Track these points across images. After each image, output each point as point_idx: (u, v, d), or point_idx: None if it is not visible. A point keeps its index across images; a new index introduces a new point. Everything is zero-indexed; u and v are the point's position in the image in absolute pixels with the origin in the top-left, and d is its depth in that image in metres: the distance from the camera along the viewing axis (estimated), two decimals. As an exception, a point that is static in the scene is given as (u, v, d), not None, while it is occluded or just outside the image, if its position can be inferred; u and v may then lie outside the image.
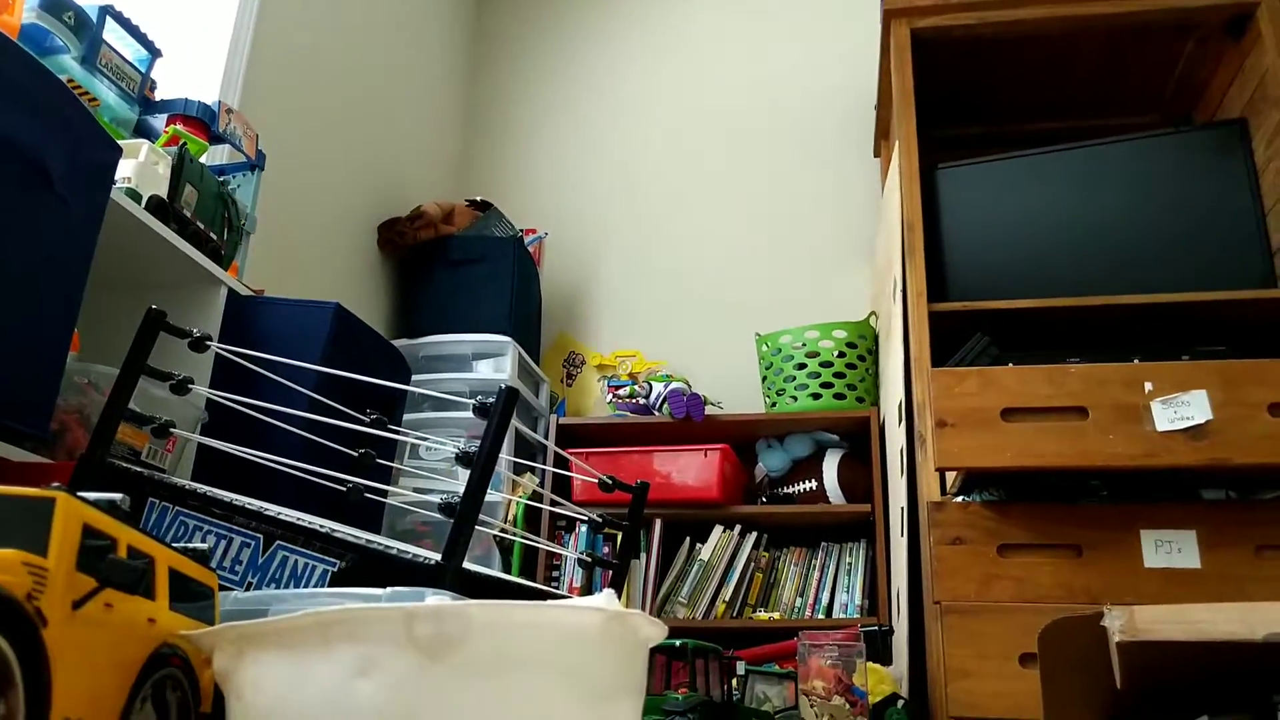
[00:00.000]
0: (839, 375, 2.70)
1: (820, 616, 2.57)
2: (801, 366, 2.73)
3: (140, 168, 1.54)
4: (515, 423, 2.71)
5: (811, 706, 1.47)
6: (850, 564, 2.62)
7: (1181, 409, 1.61)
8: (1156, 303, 2.09)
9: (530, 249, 3.13)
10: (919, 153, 2.31)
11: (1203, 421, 1.60)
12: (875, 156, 3.18)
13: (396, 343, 2.64)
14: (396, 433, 1.25)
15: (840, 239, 3.18)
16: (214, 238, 1.70)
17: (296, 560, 0.99)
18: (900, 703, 1.60)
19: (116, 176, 1.38)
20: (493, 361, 2.78)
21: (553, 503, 2.56)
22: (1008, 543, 1.75)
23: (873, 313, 2.84)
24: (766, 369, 2.83)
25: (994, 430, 1.69)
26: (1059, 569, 1.71)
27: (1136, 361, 1.81)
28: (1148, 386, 1.65)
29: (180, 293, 1.66)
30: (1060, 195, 2.27)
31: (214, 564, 0.99)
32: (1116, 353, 2.02)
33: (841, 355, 2.71)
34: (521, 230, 3.14)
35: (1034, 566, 1.72)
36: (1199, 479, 1.76)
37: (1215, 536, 1.67)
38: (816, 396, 2.70)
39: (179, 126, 1.79)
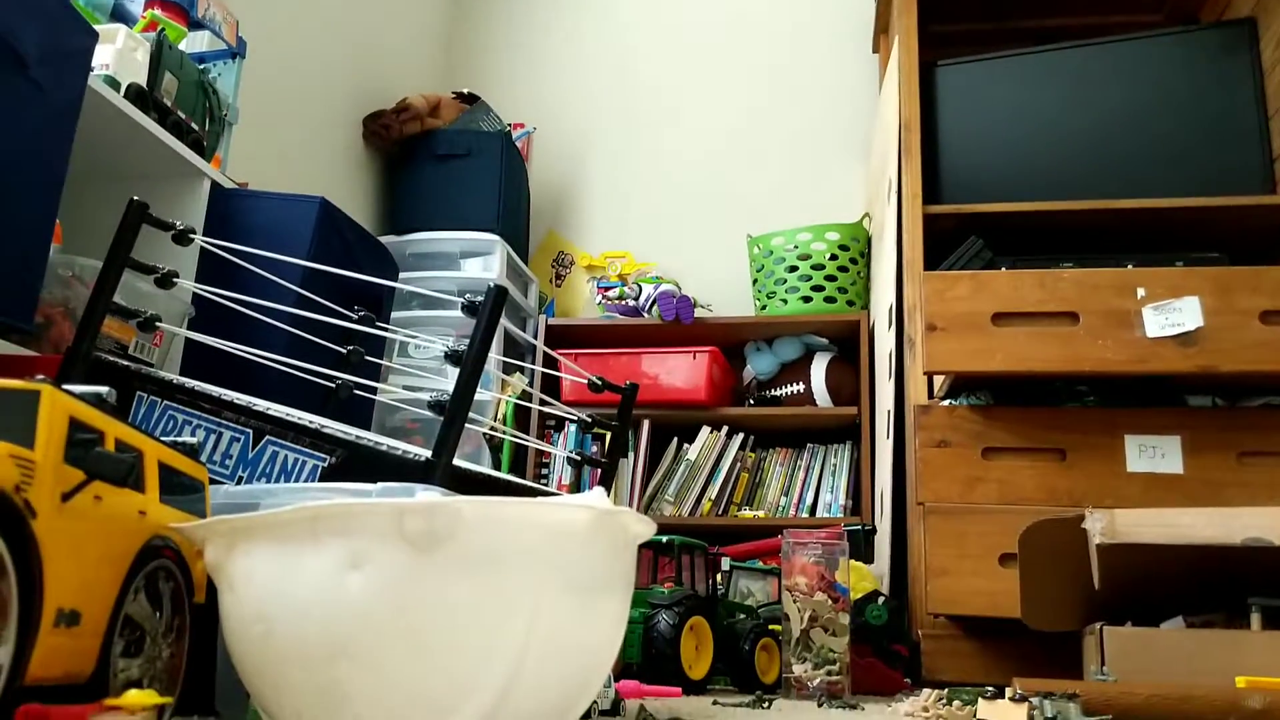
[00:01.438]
0: (830, 278, 2.69)
1: (804, 515, 2.62)
2: (793, 269, 2.71)
3: (118, 54, 1.49)
4: (504, 322, 2.70)
5: (794, 602, 1.50)
6: (835, 465, 2.66)
7: (1173, 315, 1.61)
8: (1153, 207, 2.07)
9: (518, 144, 3.07)
10: (919, 49, 2.26)
11: (1194, 328, 1.60)
12: (874, 52, 3.10)
13: (383, 239, 2.61)
14: (385, 330, 1.25)
15: (835, 138, 3.12)
16: (195, 128, 1.65)
17: (287, 455, 0.99)
18: (881, 599, 1.64)
19: (94, 63, 1.34)
20: (481, 260, 2.76)
21: (542, 402, 2.57)
22: (992, 446, 1.77)
23: (866, 214, 2.81)
24: (757, 271, 2.82)
25: (984, 334, 1.69)
26: (1042, 472, 1.73)
27: (1130, 267, 1.81)
28: (1140, 292, 1.65)
29: (162, 185, 1.62)
30: (1061, 95, 2.22)
31: (204, 458, 0.99)
32: (1111, 258, 2.01)
33: (834, 258, 2.70)
34: (509, 125, 3.08)
35: (1017, 469, 1.75)
36: (1186, 385, 1.77)
37: (1199, 442, 1.69)
38: (807, 300, 2.69)
39: (157, 11, 1.72)
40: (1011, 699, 1.02)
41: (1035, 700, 1.01)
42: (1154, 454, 1.70)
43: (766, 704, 1.30)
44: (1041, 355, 1.67)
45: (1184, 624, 1.29)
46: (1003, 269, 1.93)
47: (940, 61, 2.30)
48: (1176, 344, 1.62)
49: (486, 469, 1.36)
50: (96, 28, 1.33)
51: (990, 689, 1.11)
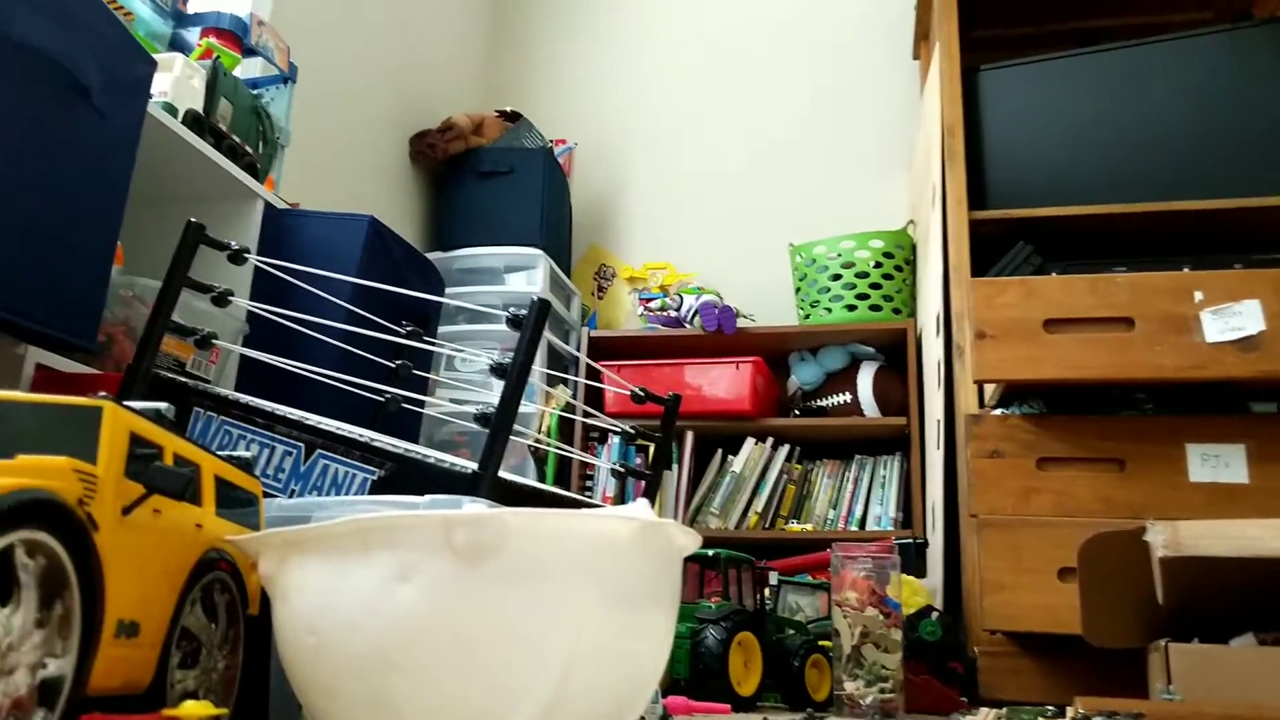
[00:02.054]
0: (875, 286, 2.67)
1: (853, 529, 2.59)
2: (836, 277, 2.69)
3: (175, 82, 1.53)
4: (547, 335, 2.71)
5: (845, 617, 1.48)
6: (885, 477, 2.63)
7: (1233, 319, 1.57)
8: (1208, 209, 2.03)
9: (560, 160, 3.09)
10: (960, 54, 2.24)
11: (1255, 332, 1.56)
12: (914, 59, 3.08)
13: (430, 255, 2.64)
14: (432, 344, 1.26)
15: (877, 145, 3.10)
16: (250, 151, 1.69)
17: (337, 469, 1.00)
18: (934, 614, 1.62)
19: (152, 90, 1.38)
20: (524, 274, 2.78)
21: (585, 414, 2.58)
22: (1047, 456, 1.73)
23: (911, 221, 2.79)
24: (800, 280, 2.80)
25: (1035, 342, 1.66)
26: (1100, 483, 1.70)
27: (1186, 270, 1.77)
28: (1198, 296, 1.61)
29: (217, 207, 1.66)
30: (1109, 97, 2.18)
31: (258, 472, 1.00)
32: (1166, 261, 1.97)
33: (878, 265, 2.67)
34: (551, 141, 3.10)
35: (1074, 480, 1.71)
36: (1249, 391, 1.72)
37: (1264, 450, 1.64)
38: (852, 308, 2.67)
39: (212, 40, 1.77)
40: (1073, 719, 1.00)
41: None
42: (1217, 463, 1.65)
43: None
44: (1096, 362, 1.63)
45: (1255, 641, 1.25)
46: (1053, 274, 1.90)
47: (983, 66, 2.28)
48: (1237, 349, 1.58)
49: (532, 481, 1.36)
50: (155, 56, 1.37)
51: (1051, 708, 1.08)
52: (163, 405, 0.69)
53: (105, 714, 0.53)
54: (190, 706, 0.56)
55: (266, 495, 0.87)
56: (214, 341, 1.19)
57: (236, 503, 0.77)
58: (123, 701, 0.60)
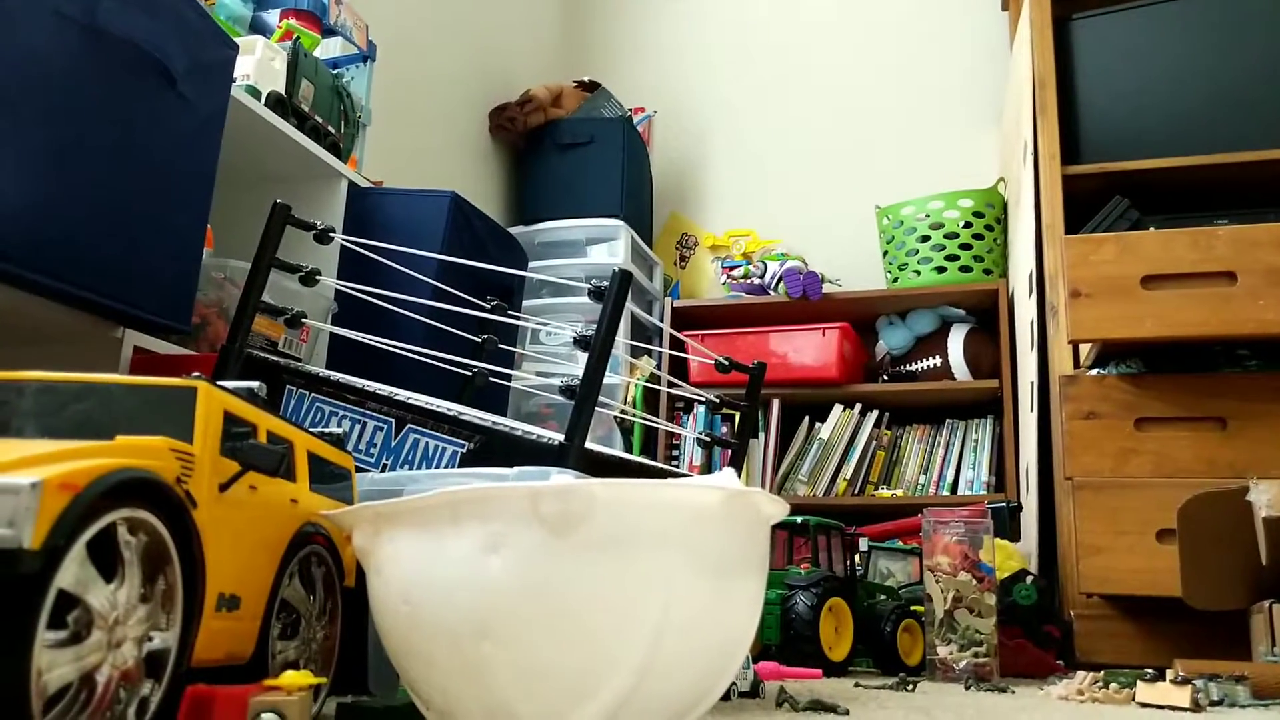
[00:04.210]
0: (965, 247, 2.60)
1: (945, 494, 2.55)
2: (925, 239, 2.63)
3: (258, 64, 1.56)
4: (630, 306, 2.72)
5: (937, 582, 1.46)
6: (976, 440, 2.57)
7: (1346, 270, 1.49)
8: (1317, 157, 1.92)
9: (639, 128, 3.08)
10: (1051, 3, 2.15)
11: (1368, 283, 1.48)
12: (1004, 10, 2.97)
13: (512, 229, 2.66)
14: (516, 318, 1.27)
15: (966, 101, 3.01)
16: (332, 131, 1.72)
17: (428, 442, 1.02)
18: (1029, 578, 1.58)
19: (235, 74, 1.41)
20: (606, 246, 2.78)
21: (670, 384, 2.58)
22: (1146, 416, 1.68)
23: (1001, 179, 2.70)
24: (887, 243, 2.75)
25: (1133, 299, 1.60)
26: (1201, 442, 1.63)
27: (1294, 221, 1.68)
28: (1308, 247, 1.53)
29: (302, 187, 1.70)
30: (1207, 44, 2.07)
31: (350, 447, 1.03)
32: (1268, 213, 1.88)
33: (968, 225, 2.60)
34: (630, 109, 3.09)
35: (1174, 440, 1.65)
36: (1362, 345, 1.64)
37: (1378, 406, 1.56)
38: (941, 270, 2.61)
39: (292, 21, 1.80)
40: (1173, 681, 0.97)
41: (1199, 683, 0.96)
42: (1326, 420, 1.58)
43: (911, 686, 1.27)
44: (1197, 319, 1.57)
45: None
46: (1151, 229, 1.82)
47: (1075, 15, 2.18)
48: (1350, 301, 1.50)
49: (618, 451, 1.37)
50: (237, 40, 1.40)
51: (1150, 671, 1.05)
52: (255, 384, 0.70)
53: (210, 685, 0.55)
54: (291, 676, 0.58)
55: (359, 470, 0.89)
56: (304, 320, 1.21)
57: (330, 478, 0.79)
58: (226, 672, 0.62)
